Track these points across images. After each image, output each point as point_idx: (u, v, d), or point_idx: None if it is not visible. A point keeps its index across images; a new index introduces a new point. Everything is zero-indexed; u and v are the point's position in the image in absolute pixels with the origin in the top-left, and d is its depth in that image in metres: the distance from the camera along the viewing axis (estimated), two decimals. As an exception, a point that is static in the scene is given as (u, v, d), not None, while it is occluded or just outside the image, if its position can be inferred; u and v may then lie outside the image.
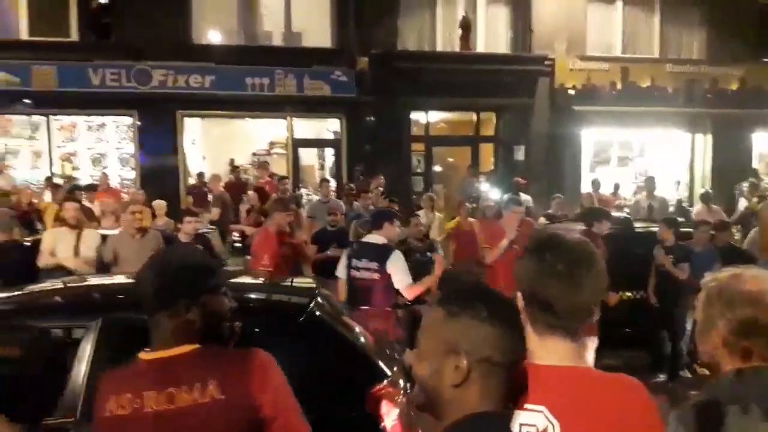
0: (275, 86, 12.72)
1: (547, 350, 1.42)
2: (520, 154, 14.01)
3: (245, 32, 13.30)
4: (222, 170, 13.40)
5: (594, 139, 14.53)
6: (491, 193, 11.52)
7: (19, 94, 12.03)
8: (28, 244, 6.79)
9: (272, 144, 14.61)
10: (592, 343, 5.65)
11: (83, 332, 3.01)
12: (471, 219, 8.43)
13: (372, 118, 13.18)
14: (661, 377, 6.47)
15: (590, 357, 5.78)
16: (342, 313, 3.89)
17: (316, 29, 13.45)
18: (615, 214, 8.06)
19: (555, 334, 1.41)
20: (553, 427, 1.35)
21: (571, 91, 13.82)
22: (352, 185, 11.38)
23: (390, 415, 2.92)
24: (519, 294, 1.45)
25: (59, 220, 7.36)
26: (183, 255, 1.87)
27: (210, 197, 11.23)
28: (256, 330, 2.82)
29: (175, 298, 1.69)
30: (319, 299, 3.45)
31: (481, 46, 13.95)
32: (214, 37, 13.38)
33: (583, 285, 1.39)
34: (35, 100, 12.13)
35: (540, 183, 12.93)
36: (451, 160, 15.41)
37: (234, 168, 13.07)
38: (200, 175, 12.46)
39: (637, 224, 7.87)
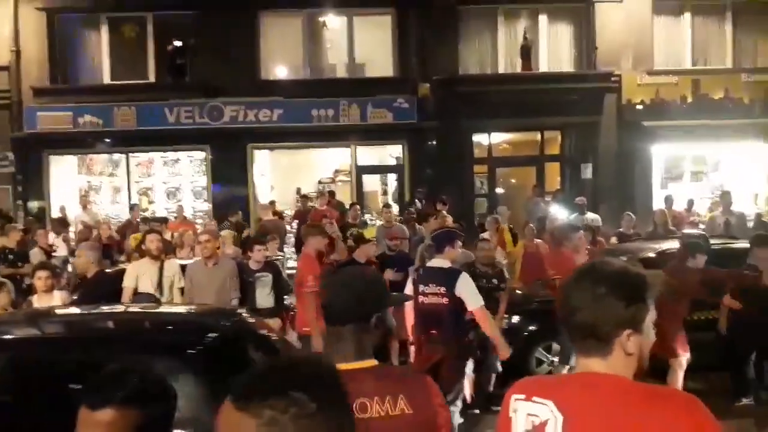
0: (339, 116, 13.07)
1: (579, 367, 1.54)
2: (587, 172, 13.72)
3: (311, 66, 13.78)
4: (290, 199, 13.82)
5: (665, 154, 14.04)
6: (558, 213, 11.32)
7: (102, 134, 12.85)
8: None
9: (337, 172, 14.94)
10: (677, 365, 5.47)
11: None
12: (537, 240, 8.32)
13: (434, 143, 13.31)
14: (745, 401, 6.13)
15: (674, 378, 5.57)
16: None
17: (379, 59, 13.78)
18: (689, 231, 7.76)
19: (582, 352, 1.52)
20: (557, 420, 1.46)
21: (640, 107, 13.47)
22: (412, 209, 11.46)
23: None
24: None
25: (140, 252, 7.78)
26: (372, 273, 2.10)
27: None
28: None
29: (368, 313, 1.85)
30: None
31: (544, 66, 13.86)
32: (281, 72, 13.92)
33: (596, 303, 1.45)
34: (116, 139, 12.93)
35: (610, 201, 12.61)
36: (514, 181, 15.27)
37: (302, 197, 13.43)
38: (272, 203, 12.84)
39: (713, 241, 7.53)
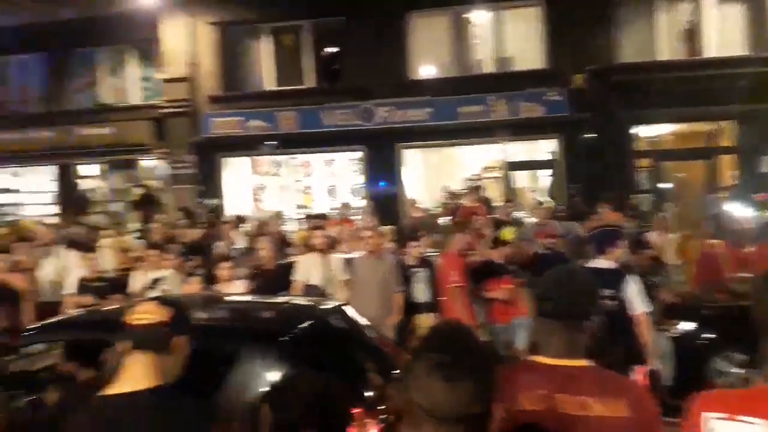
0: (488, 112, 13.00)
1: None
2: (766, 165, 12.42)
3: (458, 63, 13.84)
4: (438, 197, 14.00)
5: None
6: (736, 210, 10.37)
7: (267, 138, 13.88)
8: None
9: (486, 169, 14.86)
10: None
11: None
12: (714, 240, 7.71)
13: (589, 136, 12.78)
14: None
15: None
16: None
17: (528, 52, 13.50)
18: None
19: None
20: None
21: (829, 90, 11.96)
22: (561, 206, 11.12)
23: None
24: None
25: (308, 247, 8.33)
26: (588, 273, 2.15)
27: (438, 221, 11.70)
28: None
29: (584, 312, 1.89)
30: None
31: (711, 51, 12.78)
32: (428, 71, 14.13)
33: None
34: (279, 142, 13.88)
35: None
36: (680, 175, 14.23)
37: (451, 194, 13.54)
38: (414, 201, 13.07)
39: None
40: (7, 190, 16.43)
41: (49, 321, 4.59)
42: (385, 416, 3.25)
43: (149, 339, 2.00)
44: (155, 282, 6.66)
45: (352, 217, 12.05)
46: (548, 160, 13.83)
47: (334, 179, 14.89)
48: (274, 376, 3.10)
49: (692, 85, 12.00)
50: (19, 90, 15.98)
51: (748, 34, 12.80)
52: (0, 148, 15.11)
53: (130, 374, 1.99)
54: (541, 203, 10.76)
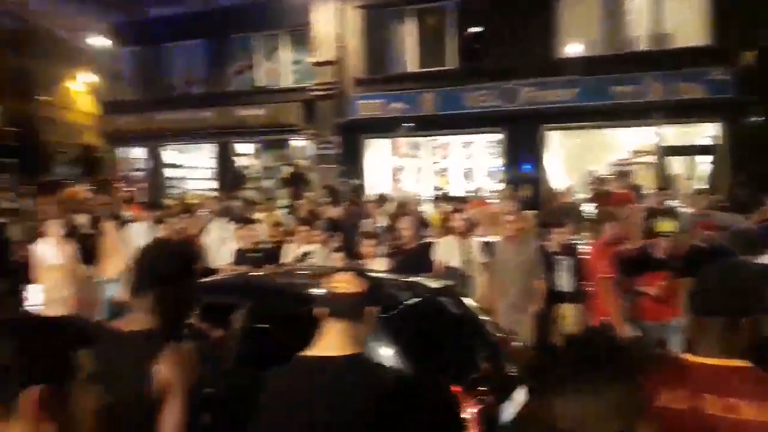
0: (643, 93, 12.20)
1: None
2: None
3: (610, 40, 13.09)
4: (581, 181, 13.43)
5: None
6: None
7: (407, 120, 14.07)
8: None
9: (636, 153, 13.98)
10: None
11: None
12: None
13: (757, 120, 11.57)
14: None
15: None
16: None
17: (690, 27, 12.42)
18: None
19: None
20: None
21: None
22: (721, 197, 10.15)
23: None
24: None
25: (447, 229, 8.39)
26: (762, 268, 2.03)
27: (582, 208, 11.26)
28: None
29: (740, 309, 1.75)
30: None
31: None
32: (577, 49, 13.47)
33: None
34: (419, 124, 14.02)
35: None
36: None
37: (598, 180, 12.93)
38: (570, 184, 12.61)
39: None
40: (173, 166, 18.21)
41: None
42: (483, 397, 3.33)
43: (346, 308, 2.13)
44: (305, 255, 7.05)
45: (490, 201, 11.93)
46: (709, 146, 12.72)
47: (471, 161, 14.82)
48: (375, 352, 3.18)
49: None
50: (184, 74, 17.53)
51: None
52: (170, 127, 16.71)
53: (328, 340, 2.12)
54: (699, 192, 9.94)
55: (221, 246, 8.15)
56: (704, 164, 13.08)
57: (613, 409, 1.26)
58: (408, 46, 14.72)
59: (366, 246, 6.76)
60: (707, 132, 12.78)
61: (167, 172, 18.14)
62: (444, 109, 13.79)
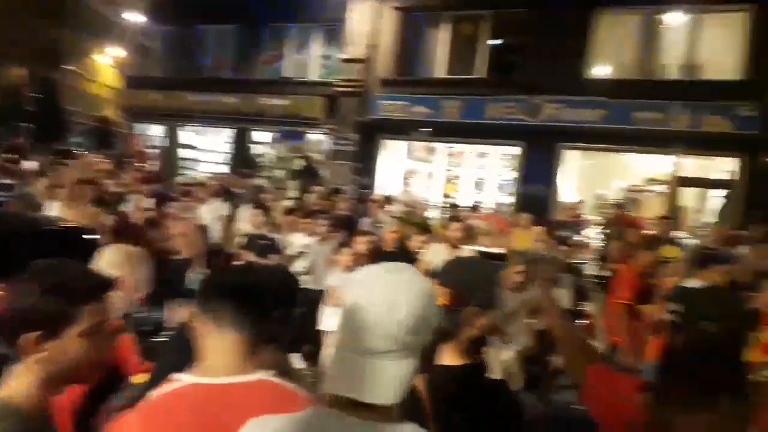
0: (668, 121, 12.08)
1: None
2: None
3: (641, 66, 12.97)
4: (591, 204, 13.38)
5: None
6: None
7: (427, 124, 14.03)
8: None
9: (650, 180, 13.87)
10: None
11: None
12: None
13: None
14: None
15: None
16: None
17: (722, 61, 12.29)
18: None
19: None
20: None
21: None
22: (732, 232, 9.98)
23: None
24: None
25: (441, 236, 8.34)
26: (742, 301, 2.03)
27: (583, 230, 11.22)
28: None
29: (743, 338, 1.79)
30: None
31: None
32: (607, 71, 13.39)
33: None
34: (438, 130, 13.96)
35: None
36: None
37: (607, 203, 12.84)
38: (580, 203, 12.49)
39: None
40: (189, 147, 18.34)
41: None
42: None
43: None
44: (305, 248, 7.07)
45: (498, 213, 11.90)
46: (725, 180, 12.58)
47: (483, 172, 14.76)
48: None
49: None
50: (214, 57, 17.65)
51: None
52: (191, 107, 16.82)
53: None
54: (709, 225, 9.83)
55: (214, 225, 8.20)
56: (716, 198, 12.92)
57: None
58: (438, 51, 14.71)
59: (358, 243, 6.73)
60: (725, 166, 12.62)
61: (182, 153, 18.27)
62: (466, 117, 13.75)
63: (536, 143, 13.31)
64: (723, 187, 12.68)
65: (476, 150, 14.83)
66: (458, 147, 14.94)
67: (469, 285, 1.95)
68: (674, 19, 12.73)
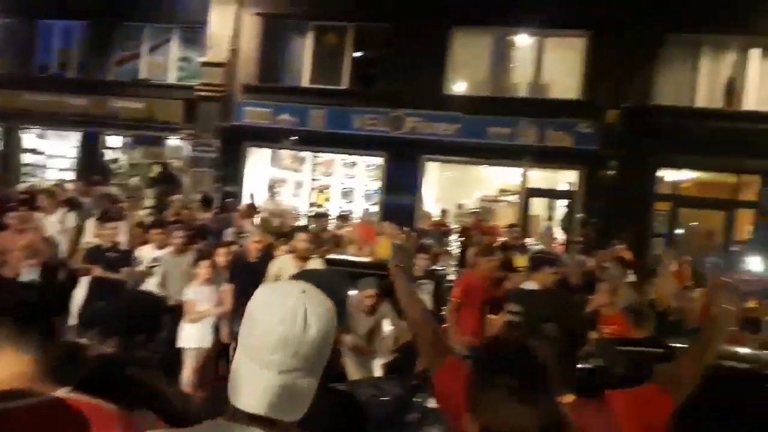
0: (517, 136, 12.98)
1: None
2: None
3: (494, 84, 13.84)
4: (453, 213, 14.04)
5: None
6: (747, 265, 10.26)
7: (294, 133, 13.97)
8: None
9: (503, 191, 14.85)
10: None
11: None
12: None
13: (613, 173, 12.69)
14: None
15: None
16: None
17: (565, 81, 13.46)
18: None
19: None
20: None
21: None
22: (581, 239, 11.04)
23: None
24: None
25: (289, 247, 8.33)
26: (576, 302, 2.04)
27: (448, 238, 11.70)
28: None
29: (583, 338, 1.88)
30: None
31: (750, 104, 12.65)
32: (464, 88, 14.14)
33: None
34: (306, 139, 13.95)
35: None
36: (698, 224, 14.08)
37: (466, 213, 13.54)
38: (443, 213, 12.98)
39: None
40: (33, 151, 16.74)
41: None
42: None
43: None
44: (156, 261, 6.73)
45: (366, 222, 12.09)
46: (568, 191, 13.77)
47: (352, 182, 14.96)
48: None
49: (724, 136, 11.87)
50: (60, 55, 16.28)
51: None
52: (34, 108, 15.38)
53: None
54: (550, 230, 10.70)
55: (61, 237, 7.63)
56: (562, 208, 14.11)
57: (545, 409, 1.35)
58: (303, 60, 14.67)
59: (219, 255, 6.54)
60: (568, 178, 13.80)
61: (25, 158, 16.64)
62: (331, 126, 13.84)
63: (399, 154, 13.71)
64: (566, 198, 13.86)
65: (345, 159, 14.97)
66: (327, 156, 15.00)
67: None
68: (521, 41, 13.76)
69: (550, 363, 1.68)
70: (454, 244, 12.09)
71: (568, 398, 1.76)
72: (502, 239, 10.36)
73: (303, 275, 1.90)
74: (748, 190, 13.16)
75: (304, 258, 6.44)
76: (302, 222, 13.47)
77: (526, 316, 1.89)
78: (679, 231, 13.48)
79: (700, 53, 12.97)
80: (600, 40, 12.95)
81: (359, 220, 12.64)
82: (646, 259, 10.57)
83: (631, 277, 8.66)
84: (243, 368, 1.23)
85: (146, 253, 6.97)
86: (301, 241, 6.47)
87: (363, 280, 6.06)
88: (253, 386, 1.20)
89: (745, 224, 13.09)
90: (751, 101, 12.68)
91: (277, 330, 1.20)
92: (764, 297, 6.99)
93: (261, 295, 1.28)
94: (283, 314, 1.21)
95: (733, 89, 12.64)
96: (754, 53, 12.72)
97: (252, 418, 1.21)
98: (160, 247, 6.94)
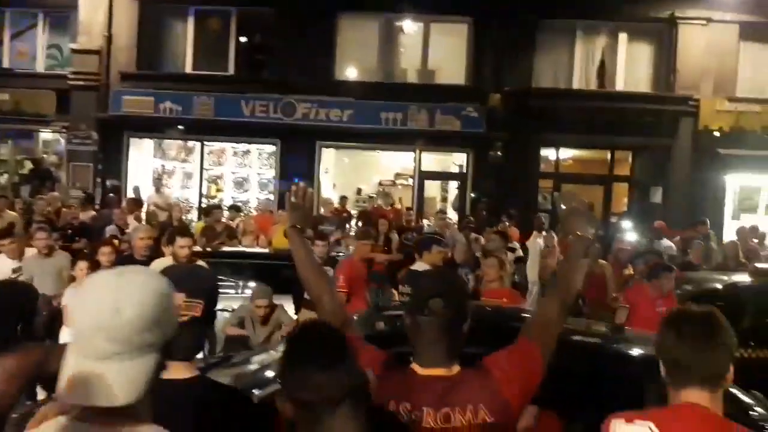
0: (407, 121, 13.18)
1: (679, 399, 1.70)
2: (657, 196, 13.36)
3: (383, 69, 13.96)
4: (351, 198, 14.06)
5: (740, 184, 13.54)
6: (626, 235, 11.03)
7: (180, 121, 13.39)
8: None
9: (398, 175, 15.08)
10: None
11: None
12: (602, 261, 8.14)
13: (499, 154, 13.22)
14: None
15: None
16: None
17: (451, 67, 13.83)
18: (762, 265, 7.46)
19: (689, 387, 1.69)
20: None
21: (717, 134, 13.01)
22: (471, 218, 11.41)
23: None
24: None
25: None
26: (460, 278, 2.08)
27: (350, 223, 11.68)
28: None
29: (467, 312, 1.84)
30: None
31: (620, 85, 13.59)
32: (354, 73, 14.14)
33: (712, 352, 1.68)
34: (192, 127, 13.43)
35: (678, 228, 12.23)
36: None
37: (364, 198, 13.61)
38: (342, 199, 12.92)
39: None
40: None
41: None
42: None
43: None
44: (17, 271, 6.22)
45: (264, 211, 11.87)
46: (459, 173, 14.20)
47: (245, 171, 14.58)
48: None
49: (599, 115, 12.71)
50: None
51: (653, 74, 13.72)
52: None
53: None
54: (443, 212, 11.01)
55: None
56: (454, 189, 14.55)
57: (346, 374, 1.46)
58: (185, 46, 14.04)
59: (102, 255, 6.13)
60: (458, 161, 14.24)
61: None
62: (220, 114, 13.37)
63: (293, 141, 13.52)
64: (457, 179, 14.29)
65: (236, 148, 14.53)
66: (217, 145, 14.49)
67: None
68: (408, 27, 13.95)
69: (436, 337, 1.78)
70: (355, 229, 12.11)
71: (454, 369, 1.80)
72: (398, 222, 10.53)
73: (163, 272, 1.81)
74: (622, 166, 14.16)
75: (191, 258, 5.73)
76: (194, 215, 13.05)
77: (414, 294, 1.91)
78: (562, 206, 14.30)
79: (575, 38, 13.74)
80: (481, 26, 13.39)
81: (258, 210, 12.38)
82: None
83: (519, 253, 9.10)
84: (69, 361, 1.22)
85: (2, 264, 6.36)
86: (180, 247, 5.67)
87: (255, 290, 6.05)
88: (79, 377, 1.19)
89: (621, 197, 14.11)
90: (620, 82, 13.62)
91: (87, 318, 1.19)
92: (638, 264, 7.50)
93: (80, 289, 1.29)
94: (93, 302, 1.20)
95: (605, 71, 13.51)
96: (623, 37, 13.64)
97: (85, 410, 1.21)
98: (16, 256, 6.38)
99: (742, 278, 7.13)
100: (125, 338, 1.18)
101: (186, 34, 14.03)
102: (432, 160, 14.33)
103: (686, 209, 12.96)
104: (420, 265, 5.27)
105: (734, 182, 13.38)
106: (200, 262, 5.82)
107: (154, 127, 13.61)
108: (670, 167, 13.34)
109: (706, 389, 1.68)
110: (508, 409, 1.77)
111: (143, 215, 9.72)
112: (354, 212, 13.05)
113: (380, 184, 14.91)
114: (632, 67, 13.72)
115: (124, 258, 6.40)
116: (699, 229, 10.04)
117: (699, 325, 1.70)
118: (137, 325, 1.19)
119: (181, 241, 5.57)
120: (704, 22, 13.10)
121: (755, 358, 6.10)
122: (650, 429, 1.61)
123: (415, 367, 1.81)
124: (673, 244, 9.85)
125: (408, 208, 11.71)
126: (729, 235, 11.86)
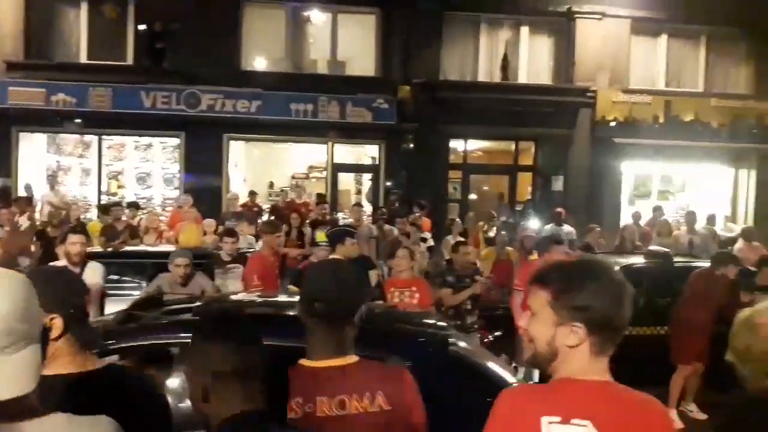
0: (318, 112, 13.04)
1: (595, 369, 1.52)
2: (558, 184, 13.99)
3: (292, 60, 13.72)
4: (263, 192, 13.76)
5: (635, 172, 14.42)
6: (530, 222, 11.50)
7: (75, 114, 12.60)
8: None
9: (311, 168, 14.92)
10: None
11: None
12: (509, 248, 8.44)
13: (410, 145, 13.39)
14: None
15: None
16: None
17: (361, 58, 13.80)
18: (655, 248, 7.97)
19: (603, 354, 1.53)
20: None
21: (613, 124, 13.78)
22: (383, 210, 11.49)
23: None
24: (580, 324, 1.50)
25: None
26: (354, 267, 2.13)
27: (262, 218, 11.41)
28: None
29: (356, 307, 1.87)
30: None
31: (522, 77, 14.07)
32: (261, 64, 13.83)
33: (627, 308, 1.53)
34: (89, 120, 12.68)
35: (578, 214, 12.86)
36: (487, 188, 15.50)
37: (281, 191, 13.37)
38: (252, 194, 12.65)
39: (677, 259, 7.77)
40: None
41: None
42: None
43: None
44: None
45: (173, 207, 11.41)
46: (372, 165, 14.25)
47: (147, 166, 13.91)
48: None
49: (502, 107, 13.12)
50: None
51: (553, 67, 14.31)
52: None
53: None
54: (359, 205, 11.02)
55: None
56: (368, 181, 14.59)
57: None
58: (78, 33, 13.19)
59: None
60: (371, 153, 14.28)
61: None
62: (118, 106, 12.68)
63: (198, 134, 13.05)
64: (370, 171, 14.33)
65: (138, 142, 13.83)
66: (117, 139, 13.73)
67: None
68: (315, 17, 13.78)
69: (324, 336, 1.83)
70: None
71: (350, 359, 1.83)
72: (312, 215, 10.42)
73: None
74: (525, 155, 14.70)
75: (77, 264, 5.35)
76: (93, 213, 12.35)
77: (301, 296, 1.95)
78: (472, 196, 14.70)
79: (479, 31, 14.08)
80: (389, 17, 13.45)
81: (175, 207, 11.84)
82: (445, 225, 11.36)
83: (430, 242, 9.26)
84: None
85: None
86: (72, 244, 5.38)
87: (174, 251, 6.15)
88: None
89: (526, 186, 14.66)
90: (523, 74, 14.11)
91: None
92: (543, 250, 7.79)
93: None
94: None
95: (508, 64, 13.95)
96: (525, 31, 14.12)
97: None
98: None
99: (638, 260, 7.61)
100: (2, 331, 1.20)
101: (79, 20, 13.18)
102: (345, 152, 14.27)
103: (586, 196, 13.67)
104: (333, 257, 5.21)
105: (629, 170, 14.23)
106: (93, 263, 5.53)
107: (46, 121, 12.71)
108: (570, 156, 13.99)
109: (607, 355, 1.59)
110: (406, 400, 1.84)
111: (37, 215, 9.10)
112: (266, 207, 12.80)
113: (293, 177, 14.68)
114: (534, 59, 14.24)
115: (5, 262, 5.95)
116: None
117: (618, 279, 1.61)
118: (13, 316, 1.21)
119: (72, 237, 5.27)
120: (599, 16, 13.79)
121: (650, 335, 6.52)
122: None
123: (303, 362, 1.84)
124: (573, 229, 10.36)
125: (322, 201, 11.59)
126: (625, 219, 12.65)
